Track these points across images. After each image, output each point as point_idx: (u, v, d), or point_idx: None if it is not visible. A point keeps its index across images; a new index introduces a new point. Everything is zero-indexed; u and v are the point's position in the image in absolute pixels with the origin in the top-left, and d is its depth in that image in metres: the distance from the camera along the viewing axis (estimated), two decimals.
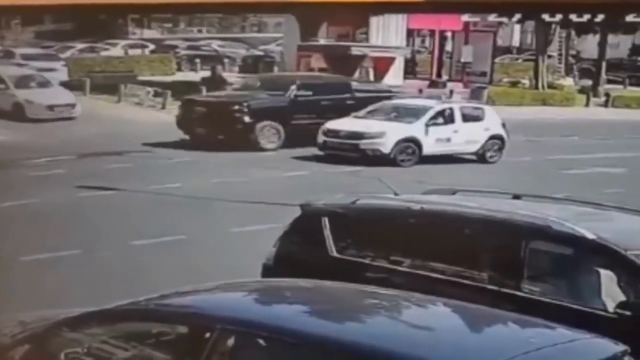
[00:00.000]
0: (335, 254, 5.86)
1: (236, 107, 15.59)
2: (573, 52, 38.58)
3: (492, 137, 17.77)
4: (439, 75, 35.03)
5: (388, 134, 16.89)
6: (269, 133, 15.41)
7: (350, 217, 6.00)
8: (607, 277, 5.08)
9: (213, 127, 15.18)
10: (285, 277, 5.03)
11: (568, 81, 35.72)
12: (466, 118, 17.90)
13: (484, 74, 33.79)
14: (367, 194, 6.39)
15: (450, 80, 34.12)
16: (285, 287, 4.62)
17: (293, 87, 16.17)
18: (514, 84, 35.24)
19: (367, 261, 5.75)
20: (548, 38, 35.98)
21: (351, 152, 16.64)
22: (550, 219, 5.30)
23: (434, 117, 17.41)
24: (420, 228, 5.67)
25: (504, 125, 18.38)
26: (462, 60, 34.96)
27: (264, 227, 8.78)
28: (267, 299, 4.42)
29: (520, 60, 39.57)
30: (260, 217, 10.43)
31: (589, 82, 34.65)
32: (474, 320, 4.09)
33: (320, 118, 15.75)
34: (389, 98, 17.38)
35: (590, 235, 5.15)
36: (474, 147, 17.69)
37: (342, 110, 16.28)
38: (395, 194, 6.22)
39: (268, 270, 6.03)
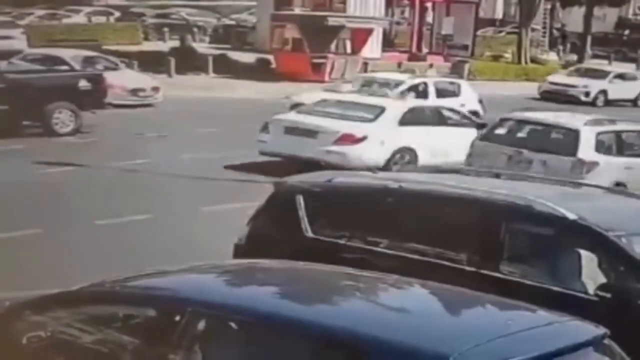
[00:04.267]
0: (310, 234, 5.74)
1: None
2: (557, 25, 38.28)
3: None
4: (418, 48, 34.79)
5: None
6: None
7: (325, 195, 5.88)
8: (588, 259, 5.03)
9: None
10: (258, 258, 4.90)
11: (552, 55, 35.46)
12: (440, 93, 17.40)
13: (465, 47, 33.53)
14: (344, 171, 6.26)
15: (430, 53, 33.91)
16: (258, 269, 4.52)
17: None
18: (496, 58, 35.02)
19: (343, 242, 5.65)
20: (532, 10, 35.87)
21: None
22: (531, 198, 5.22)
23: (406, 92, 16.91)
24: (398, 207, 5.58)
25: (480, 101, 17.94)
26: (443, 32, 34.77)
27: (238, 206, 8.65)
28: (240, 280, 4.35)
29: (503, 34, 39.22)
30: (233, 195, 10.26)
31: (573, 57, 34.33)
32: (452, 303, 4.04)
33: None
34: (73, 83, 14.83)
35: (571, 216, 5.08)
36: None
37: None
38: (373, 172, 6.09)
39: (240, 251, 5.91)
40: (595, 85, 25.23)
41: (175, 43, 29.02)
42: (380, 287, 4.21)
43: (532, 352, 3.42)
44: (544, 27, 37.62)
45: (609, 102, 25.10)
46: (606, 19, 39.56)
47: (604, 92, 25.28)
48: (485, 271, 5.12)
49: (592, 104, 24.58)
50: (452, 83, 18.69)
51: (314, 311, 3.81)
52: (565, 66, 32.51)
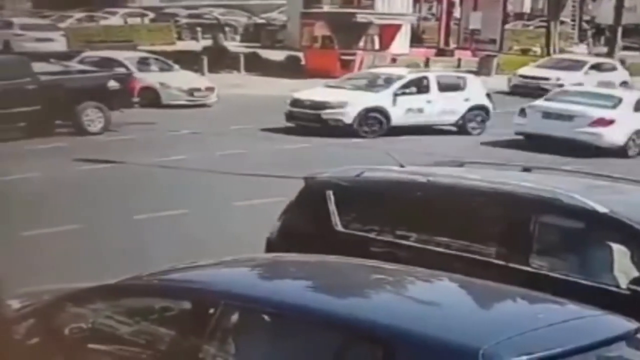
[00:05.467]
0: (340, 228, 5.80)
1: None
2: (587, 17, 37.31)
3: (474, 108, 17.11)
4: (446, 43, 34.64)
5: (350, 103, 16.34)
6: None
7: (355, 190, 5.93)
8: (620, 252, 5.00)
9: None
10: (290, 251, 4.97)
11: (581, 48, 34.41)
12: (443, 87, 17.18)
13: (493, 41, 32.93)
14: (373, 166, 6.31)
15: (458, 48, 33.67)
16: (289, 262, 4.58)
17: None
18: (525, 52, 34.30)
19: (372, 235, 5.70)
20: (561, 3, 34.99)
21: (314, 123, 16.16)
22: (560, 192, 5.21)
23: (405, 87, 16.76)
24: (426, 201, 5.60)
25: (488, 95, 17.76)
26: (471, 27, 34.41)
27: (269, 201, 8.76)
28: (271, 274, 4.41)
29: (531, 27, 38.56)
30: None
31: (603, 49, 33.03)
32: (481, 296, 4.05)
33: None
34: (103, 80, 15.27)
35: (601, 209, 5.06)
36: (453, 118, 17.12)
37: (22, 99, 14.00)
38: (401, 166, 6.13)
39: (272, 245, 6.00)
40: (569, 78, 23.12)
41: (208, 42, 29.34)
42: (409, 280, 4.23)
43: (564, 346, 3.40)
44: (573, 20, 37.06)
45: None
46: (637, 10, 38.93)
47: (579, 85, 22.80)
48: (515, 264, 5.12)
49: None
50: (458, 77, 18.48)
51: (344, 304, 3.85)
52: None
